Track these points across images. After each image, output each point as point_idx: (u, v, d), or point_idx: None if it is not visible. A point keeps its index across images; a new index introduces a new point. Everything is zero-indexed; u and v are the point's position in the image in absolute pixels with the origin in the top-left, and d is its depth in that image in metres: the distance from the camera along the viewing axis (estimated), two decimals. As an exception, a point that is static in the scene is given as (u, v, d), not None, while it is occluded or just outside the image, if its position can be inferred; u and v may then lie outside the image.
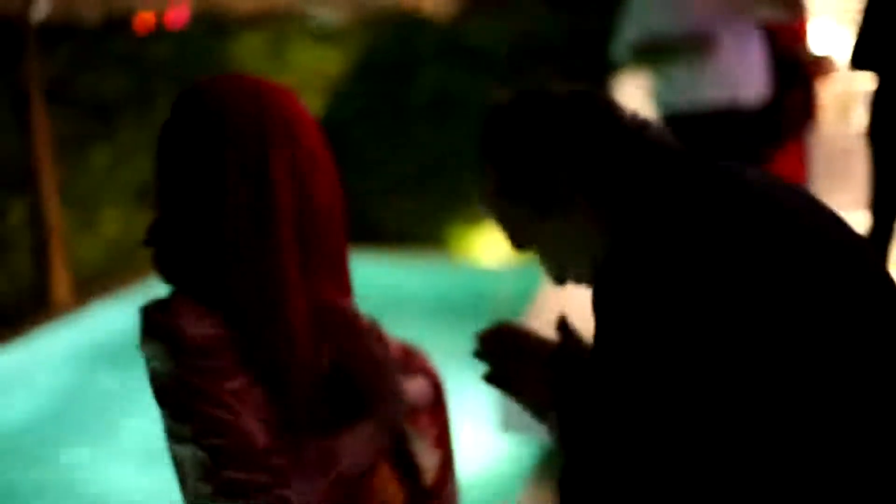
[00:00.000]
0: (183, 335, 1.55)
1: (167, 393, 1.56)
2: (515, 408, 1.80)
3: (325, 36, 11.06)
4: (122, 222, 9.31)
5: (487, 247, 9.78)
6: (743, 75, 4.91)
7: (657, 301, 1.47)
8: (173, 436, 1.57)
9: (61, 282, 8.48)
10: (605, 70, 7.80)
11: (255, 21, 10.84)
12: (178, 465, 1.62)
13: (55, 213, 8.47)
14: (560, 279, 1.77)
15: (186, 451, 1.55)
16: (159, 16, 11.10)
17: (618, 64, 5.29)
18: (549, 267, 1.77)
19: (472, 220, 9.97)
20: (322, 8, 11.65)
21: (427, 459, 1.82)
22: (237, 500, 1.52)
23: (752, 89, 4.92)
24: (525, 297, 7.16)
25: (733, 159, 4.78)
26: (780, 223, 1.55)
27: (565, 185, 1.67)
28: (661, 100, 5.03)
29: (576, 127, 1.68)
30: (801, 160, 5.67)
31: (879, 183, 5.04)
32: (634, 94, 6.68)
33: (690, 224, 1.54)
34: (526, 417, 2.12)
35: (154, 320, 1.58)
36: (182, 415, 1.54)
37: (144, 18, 10.80)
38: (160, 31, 10.31)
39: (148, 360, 1.60)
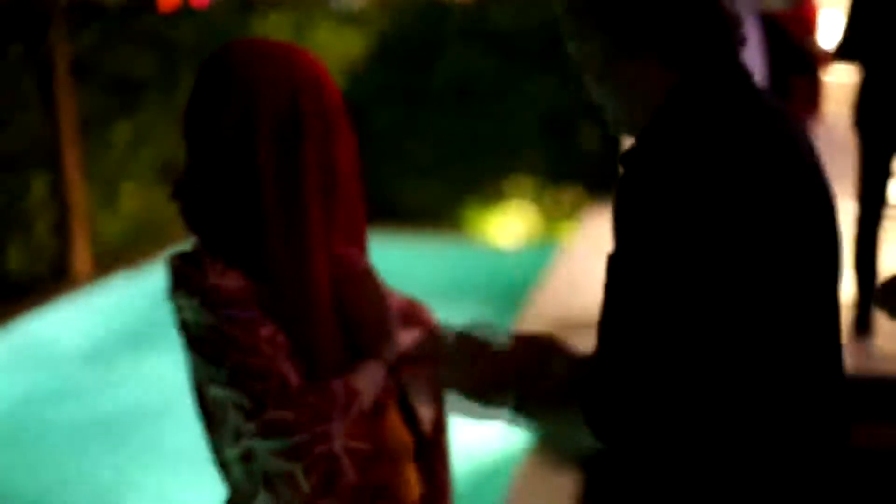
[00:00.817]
0: (216, 288, 1.64)
1: (203, 342, 1.65)
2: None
3: (347, 18, 11.15)
4: (142, 199, 9.45)
5: (502, 228, 9.90)
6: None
7: (674, 188, 1.61)
8: (210, 380, 1.67)
9: (82, 256, 8.65)
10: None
11: (278, 2, 10.93)
12: (208, 406, 1.72)
13: (77, 188, 8.63)
14: (616, 126, 1.86)
15: (224, 394, 1.65)
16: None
17: None
18: (609, 109, 1.85)
19: (488, 201, 10.08)
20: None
21: (424, 410, 1.92)
22: (281, 437, 1.62)
23: None
24: (536, 276, 7.28)
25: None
26: (786, 149, 1.72)
27: (652, 31, 1.75)
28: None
29: None
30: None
31: (867, 171, 5.14)
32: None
33: (726, 131, 1.68)
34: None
35: (184, 273, 1.67)
36: (220, 361, 1.64)
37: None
38: (185, 11, 10.39)
39: (178, 311, 1.69)
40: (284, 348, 1.68)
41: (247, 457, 1.67)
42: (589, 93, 1.85)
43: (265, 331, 1.66)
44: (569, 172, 9.90)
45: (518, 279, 7.88)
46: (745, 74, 1.79)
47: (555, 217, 9.82)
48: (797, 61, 5.47)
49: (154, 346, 7.25)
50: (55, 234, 8.56)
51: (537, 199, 9.97)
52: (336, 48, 10.35)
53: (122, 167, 9.39)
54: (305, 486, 1.64)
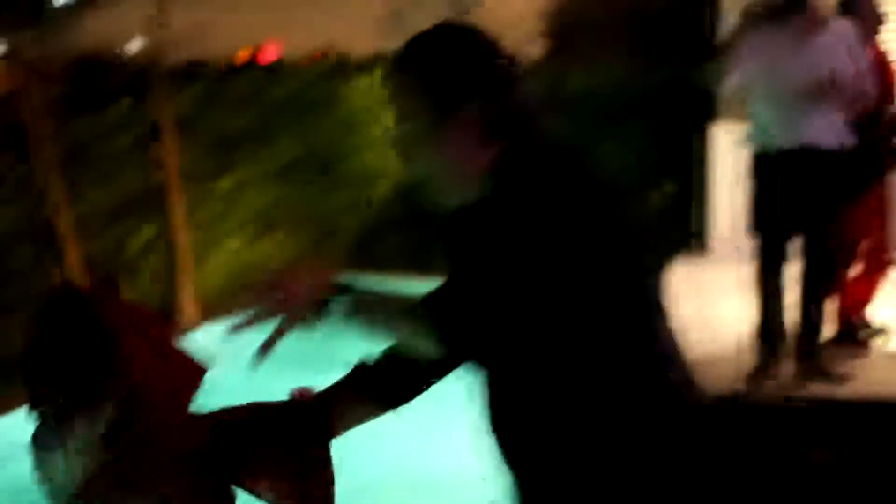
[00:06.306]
0: None
1: None
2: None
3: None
4: (242, 249, 9.96)
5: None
6: (821, 126, 5.30)
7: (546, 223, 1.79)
8: None
9: (188, 302, 9.10)
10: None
11: (372, 63, 11.34)
12: None
13: (183, 237, 9.10)
14: (438, 197, 1.99)
15: None
16: (256, 51, 11.66)
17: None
18: (434, 180, 1.98)
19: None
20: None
21: None
22: None
23: (829, 137, 5.30)
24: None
25: (813, 193, 5.30)
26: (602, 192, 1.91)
27: (472, 98, 1.91)
28: (753, 141, 5.42)
29: (493, 64, 1.95)
30: (884, 202, 5.97)
31: None
32: (728, 139, 7.16)
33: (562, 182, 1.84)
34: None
35: None
36: None
37: (241, 54, 11.32)
38: (280, 71, 10.77)
39: None
40: None
41: None
42: (412, 169, 1.99)
43: None
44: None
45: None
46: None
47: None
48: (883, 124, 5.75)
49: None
50: (163, 281, 9.00)
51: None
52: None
53: (222, 217, 9.87)
54: None
